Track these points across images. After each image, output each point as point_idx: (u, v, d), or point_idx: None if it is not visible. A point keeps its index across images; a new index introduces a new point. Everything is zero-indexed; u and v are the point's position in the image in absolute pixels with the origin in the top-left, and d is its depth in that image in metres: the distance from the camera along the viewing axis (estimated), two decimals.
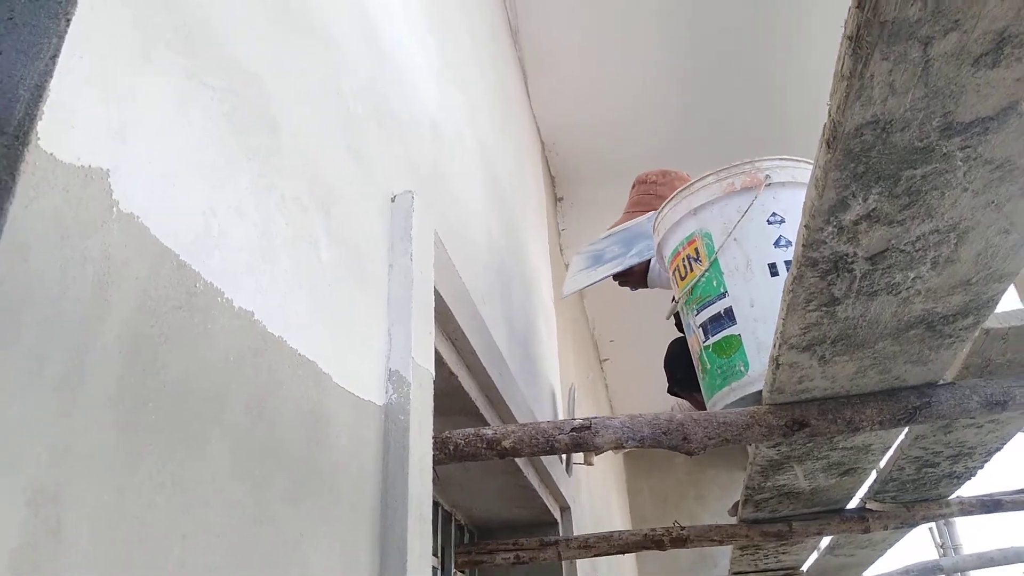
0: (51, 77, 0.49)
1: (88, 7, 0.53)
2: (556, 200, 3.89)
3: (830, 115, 0.65)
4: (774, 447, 1.47)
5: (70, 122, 0.51)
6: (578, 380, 3.60)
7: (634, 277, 2.22)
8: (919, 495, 1.83)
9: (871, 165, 0.71)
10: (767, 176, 1.54)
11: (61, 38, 0.51)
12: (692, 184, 1.65)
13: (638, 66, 3.19)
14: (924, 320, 1.00)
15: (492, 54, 2.47)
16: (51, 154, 0.48)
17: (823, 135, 0.68)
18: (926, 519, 1.91)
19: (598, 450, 1.28)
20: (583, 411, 3.46)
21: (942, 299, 0.95)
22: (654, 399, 2.28)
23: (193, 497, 0.57)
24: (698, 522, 2.12)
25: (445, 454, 1.23)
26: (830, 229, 0.81)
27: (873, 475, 1.75)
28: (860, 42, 0.56)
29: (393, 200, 1.16)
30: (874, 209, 0.78)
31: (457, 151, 1.72)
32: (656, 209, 2.19)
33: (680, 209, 1.66)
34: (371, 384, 0.96)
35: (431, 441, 1.08)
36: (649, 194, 2.29)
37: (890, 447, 1.56)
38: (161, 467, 0.54)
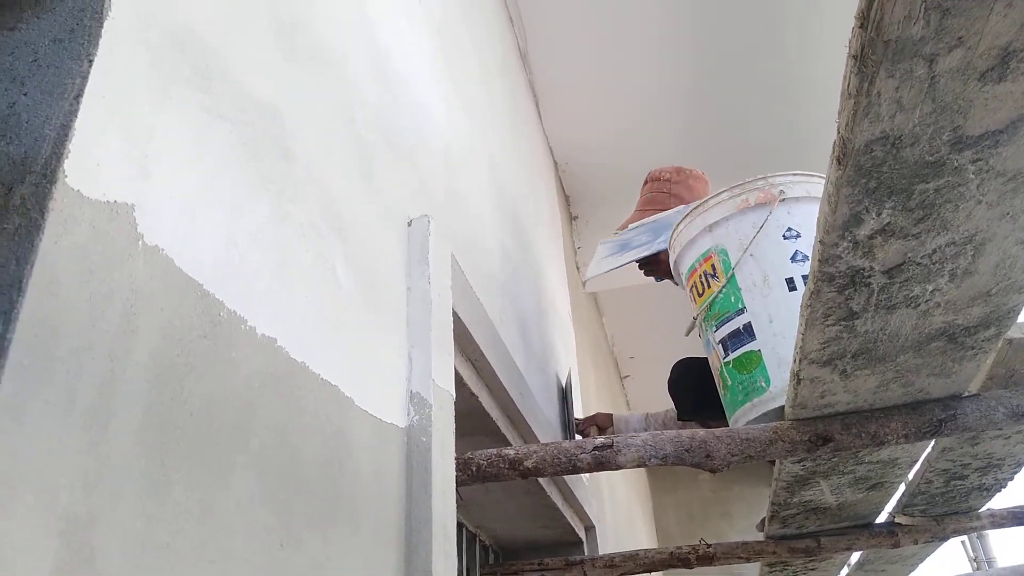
0: (76, 116, 0.51)
1: (108, 48, 0.55)
2: (571, 219, 3.89)
3: (839, 132, 0.66)
4: (799, 462, 1.46)
5: (95, 159, 0.52)
6: (597, 395, 3.58)
7: (661, 267, 2.14)
8: (949, 508, 1.80)
9: (883, 180, 0.71)
10: (781, 191, 1.55)
11: (84, 78, 0.52)
12: (706, 201, 1.65)
13: (647, 82, 3.20)
14: (945, 332, 0.99)
15: (502, 77, 2.49)
16: (78, 191, 0.50)
17: (833, 152, 0.69)
18: (957, 532, 1.88)
19: (621, 468, 1.28)
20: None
21: (962, 311, 0.94)
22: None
23: (220, 523, 0.57)
24: (725, 539, 2.10)
25: (468, 475, 1.23)
26: (845, 244, 0.81)
27: (901, 489, 1.72)
28: (865, 61, 0.56)
29: (409, 224, 1.17)
30: (888, 223, 0.78)
31: (470, 173, 1.74)
32: (669, 208, 2.17)
33: (695, 226, 1.66)
34: (392, 407, 0.97)
35: (454, 462, 1.08)
36: (663, 192, 2.23)
37: (917, 460, 1.54)
38: (189, 494, 0.55)
